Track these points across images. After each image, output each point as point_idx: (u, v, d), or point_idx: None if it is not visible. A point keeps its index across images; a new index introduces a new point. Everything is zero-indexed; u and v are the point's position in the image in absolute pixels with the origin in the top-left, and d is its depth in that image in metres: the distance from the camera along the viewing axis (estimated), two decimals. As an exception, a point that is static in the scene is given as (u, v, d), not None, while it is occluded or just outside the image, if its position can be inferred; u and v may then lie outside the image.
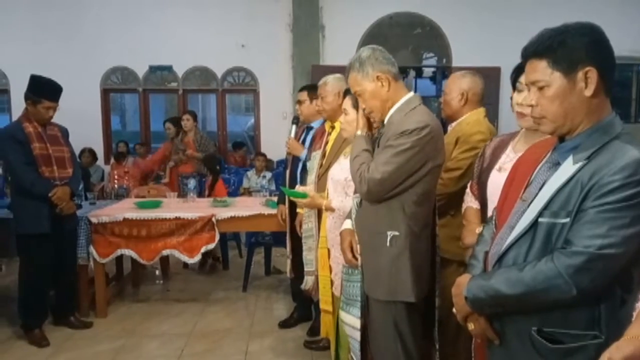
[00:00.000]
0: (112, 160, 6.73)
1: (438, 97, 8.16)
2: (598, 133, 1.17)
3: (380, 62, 1.86)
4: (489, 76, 2.44)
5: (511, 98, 2.18)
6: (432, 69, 8.26)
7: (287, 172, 3.33)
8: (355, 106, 2.19)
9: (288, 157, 3.38)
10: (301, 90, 3.36)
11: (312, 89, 3.31)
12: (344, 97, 2.36)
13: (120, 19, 7.03)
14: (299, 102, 3.29)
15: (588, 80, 1.15)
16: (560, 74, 1.16)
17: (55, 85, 3.22)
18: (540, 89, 1.19)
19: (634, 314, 0.97)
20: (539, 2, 6.91)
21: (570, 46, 1.15)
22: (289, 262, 3.35)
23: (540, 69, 1.18)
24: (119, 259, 4.11)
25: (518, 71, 1.69)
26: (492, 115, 6.30)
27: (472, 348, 1.58)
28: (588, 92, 1.15)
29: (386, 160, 1.76)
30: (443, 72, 8.08)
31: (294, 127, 3.30)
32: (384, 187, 1.78)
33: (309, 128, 3.34)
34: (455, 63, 7.23)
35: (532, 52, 1.21)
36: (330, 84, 2.87)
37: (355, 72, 1.87)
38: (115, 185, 5.62)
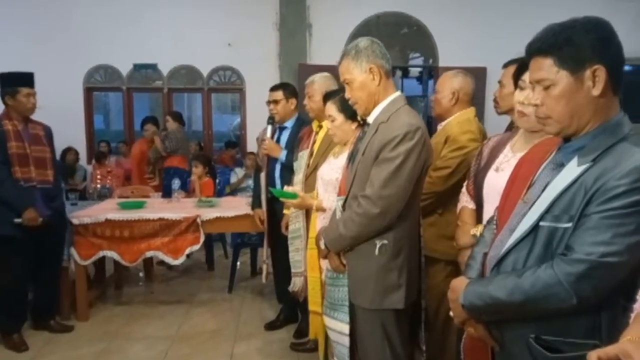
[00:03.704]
0: (94, 161, 6.62)
1: (424, 97, 8.17)
2: (605, 134, 1.12)
3: (376, 55, 1.83)
4: (475, 76, 2.46)
5: (494, 100, 2.16)
6: (419, 69, 8.26)
7: (264, 173, 3.25)
8: (341, 110, 2.15)
9: (263, 158, 3.28)
10: (275, 89, 3.27)
11: (287, 88, 3.27)
12: (324, 101, 2.31)
13: (104, 17, 6.89)
14: (275, 102, 3.21)
15: (596, 79, 1.09)
16: (567, 72, 1.10)
17: (26, 72, 3.19)
18: (546, 88, 1.13)
19: (632, 315, 0.94)
20: (525, 2, 6.95)
21: (577, 43, 1.09)
22: (265, 266, 3.30)
23: (546, 67, 1.12)
24: (101, 261, 4.02)
25: (521, 68, 1.64)
26: (478, 115, 6.31)
27: (461, 348, 1.54)
28: (596, 92, 1.10)
29: (387, 179, 1.71)
30: (429, 72, 8.08)
31: (269, 127, 3.22)
32: (397, 206, 1.74)
33: (282, 128, 3.28)
34: (441, 63, 7.23)
35: (536, 49, 1.14)
36: (318, 82, 2.84)
37: (350, 59, 1.83)
38: (98, 186, 5.53)
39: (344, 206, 1.86)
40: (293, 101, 3.21)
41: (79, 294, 3.56)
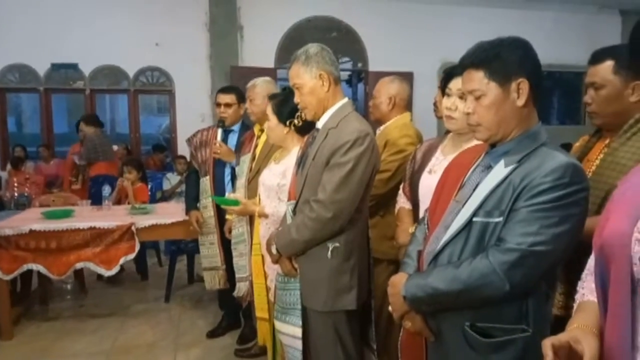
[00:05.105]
0: (9, 167, 6.14)
1: (354, 100, 8.37)
2: (527, 140, 1.26)
3: (325, 61, 1.87)
4: (402, 81, 2.60)
5: (434, 103, 2.29)
6: (348, 73, 8.44)
7: (208, 178, 3.13)
8: (275, 112, 2.16)
9: (207, 162, 3.15)
10: (227, 92, 3.19)
11: (238, 92, 3.22)
12: (270, 101, 2.33)
13: (19, 12, 6.42)
14: (227, 105, 3.12)
15: (520, 91, 1.24)
16: (496, 84, 1.24)
17: None
18: (477, 98, 1.26)
19: (574, 305, 1.04)
20: (450, 14, 7.34)
21: (505, 59, 1.23)
22: (222, 273, 3.17)
23: (477, 79, 1.25)
24: (28, 274, 3.75)
25: (447, 77, 1.77)
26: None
27: (399, 343, 1.62)
28: (520, 102, 1.24)
29: (338, 183, 1.74)
30: (358, 75, 8.29)
31: (220, 131, 3.13)
32: (349, 210, 1.77)
33: (228, 131, 3.22)
34: (371, 67, 7.45)
35: (469, 62, 1.28)
36: (259, 86, 2.84)
37: (299, 64, 1.86)
38: (15, 194, 5.14)
39: (294, 211, 1.88)
40: (243, 106, 3.16)
41: (2, 310, 3.31)
